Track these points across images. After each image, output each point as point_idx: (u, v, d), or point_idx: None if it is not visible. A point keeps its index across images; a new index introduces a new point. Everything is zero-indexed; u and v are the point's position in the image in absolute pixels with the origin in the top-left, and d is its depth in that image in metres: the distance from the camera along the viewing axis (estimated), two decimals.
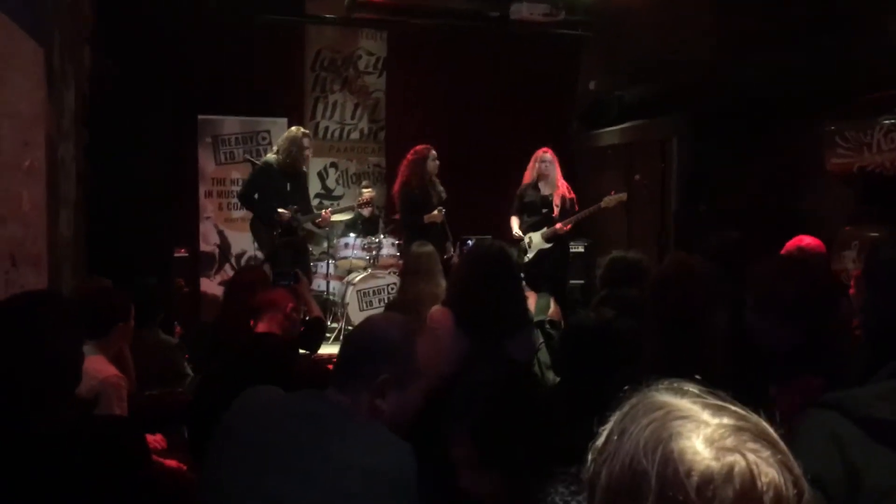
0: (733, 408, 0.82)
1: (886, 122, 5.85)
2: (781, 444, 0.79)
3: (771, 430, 0.80)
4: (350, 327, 6.62)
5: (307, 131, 7.07)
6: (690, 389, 0.84)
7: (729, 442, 0.77)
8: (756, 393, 2.32)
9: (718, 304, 2.35)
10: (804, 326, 2.44)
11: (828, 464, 1.28)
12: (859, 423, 1.30)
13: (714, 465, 0.75)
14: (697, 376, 0.88)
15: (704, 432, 0.78)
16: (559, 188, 7.24)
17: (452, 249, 7.28)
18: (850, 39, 5.95)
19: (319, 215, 7.07)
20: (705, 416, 0.80)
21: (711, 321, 2.33)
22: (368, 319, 2.00)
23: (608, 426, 0.85)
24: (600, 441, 0.85)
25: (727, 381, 2.15)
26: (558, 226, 7.07)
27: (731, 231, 3.90)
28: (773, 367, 2.43)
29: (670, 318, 2.35)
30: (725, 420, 0.79)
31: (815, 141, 6.49)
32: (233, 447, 1.76)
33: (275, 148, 6.99)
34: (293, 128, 7.08)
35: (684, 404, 0.82)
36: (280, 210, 6.68)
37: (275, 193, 6.74)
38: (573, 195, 7.33)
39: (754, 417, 0.81)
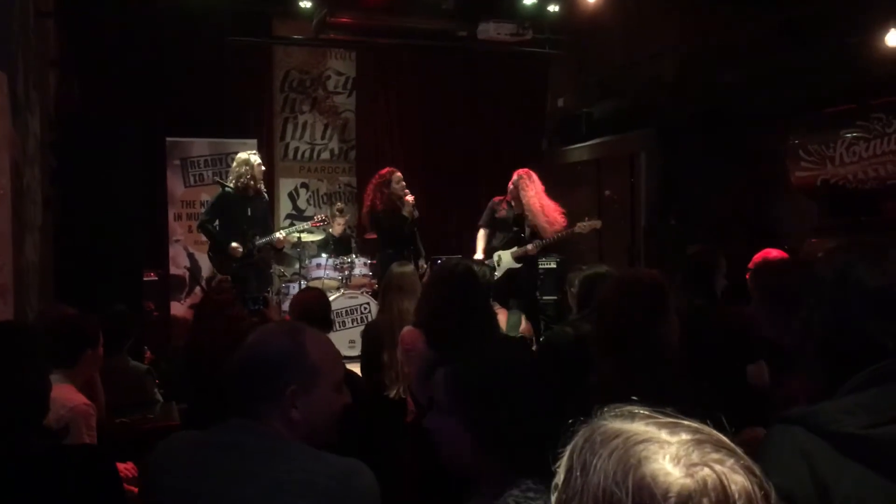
0: (686, 422, 0.83)
1: (848, 135, 5.96)
2: (739, 449, 0.81)
3: (726, 439, 0.82)
4: None
5: (256, 153, 7.06)
6: (639, 412, 0.85)
7: (695, 457, 0.78)
8: (710, 401, 2.36)
9: (664, 316, 2.36)
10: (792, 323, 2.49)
11: (798, 480, 1.29)
12: (826, 437, 1.30)
13: (688, 482, 0.76)
14: (634, 397, 0.88)
15: (669, 452, 0.78)
16: (536, 209, 7.05)
17: (425, 265, 7.28)
18: (813, 55, 6.07)
19: (275, 239, 7.03)
20: (664, 435, 0.81)
21: (655, 335, 2.33)
22: (251, 339, 1.84)
23: (563, 461, 0.85)
24: (560, 478, 0.84)
25: (679, 391, 2.17)
26: (530, 247, 7.02)
27: (704, 244, 3.99)
28: (783, 360, 2.47)
29: (610, 336, 2.37)
30: (684, 436, 0.80)
31: (780, 154, 6.59)
32: (161, 495, 1.71)
33: (229, 176, 6.99)
34: (242, 152, 7.06)
35: (639, 427, 0.82)
36: (233, 245, 6.70)
37: (234, 219, 6.75)
38: (548, 221, 7.02)
39: (707, 428, 0.83)
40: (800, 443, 1.32)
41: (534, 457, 1.52)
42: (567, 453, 0.85)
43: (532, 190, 7.04)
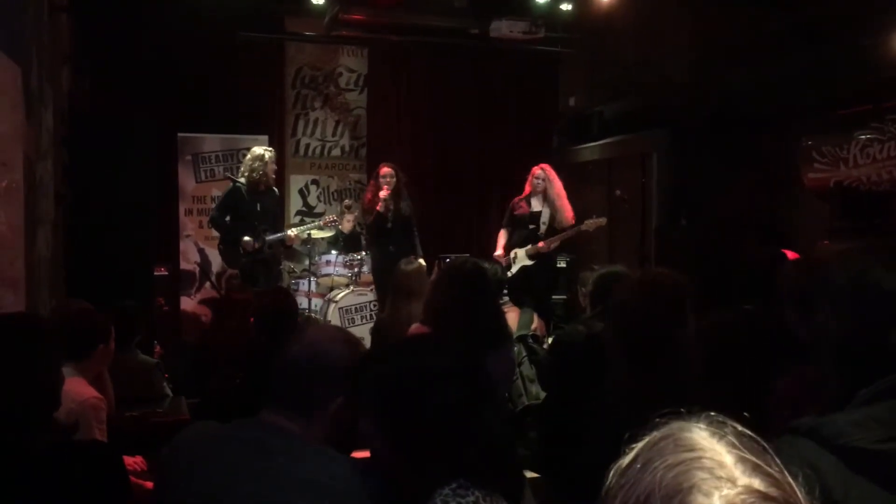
0: (769, 469, 0.75)
1: (862, 137, 5.92)
2: None
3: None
4: None
5: (271, 149, 7.05)
6: (729, 435, 0.78)
7: None
8: (731, 401, 2.34)
9: (682, 318, 2.33)
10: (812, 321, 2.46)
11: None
12: (836, 452, 1.27)
13: None
14: (746, 414, 0.83)
15: (727, 493, 0.71)
16: (554, 205, 7.19)
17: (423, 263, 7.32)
18: (827, 56, 6.03)
19: (286, 237, 7.03)
20: (736, 472, 0.73)
21: (676, 336, 2.31)
22: (307, 338, 1.84)
23: (637, 447, 0.80)
24: (625, 461, 0.80)
25: (698, 393, 2.15)
26: (541, 244, 7.10)
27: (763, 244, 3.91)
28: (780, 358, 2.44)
29: (627, 338, 2.33)
30: (756, 483, 0.72)
31: (792, 156, 6.56)
32: (177, 486, 1.70)
33: (241, 169, 6.99)
34: (256, 147, 7.06)
35: (718, 452, 0.75)
36: (245, 239, 6.68)
37: (245, 214, 6.74)
38: (570, 215, 7.24)
39: (789, 486, 0.74)
40: (807, 456, 1.28)
41: (455, 458, 1.53)
42: (643, 441, 0.80)
43: (559, 182, 7.20)
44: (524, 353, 4.42)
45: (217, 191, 7.99)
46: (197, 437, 1.80)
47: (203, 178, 8.46)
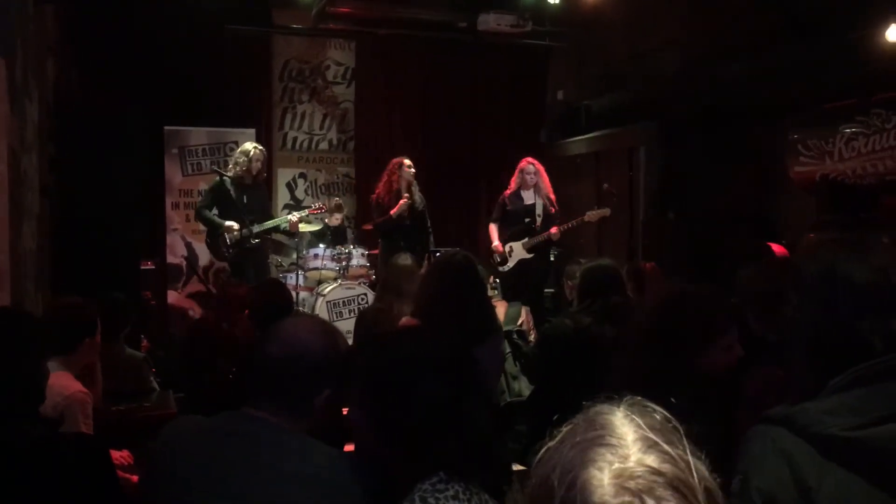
0: (667, 448, 0.77)
1: (847, 130, 5.95)
2: (700, 500, 0.75)
3: (696, 484, 0.75)
4: None
5: (260, 146, 7.05)
6: (642, 419, 0.80)
7: (634, 483, 0.73)
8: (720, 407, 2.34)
9: (711, 343, 2.23)
10: (777, 320, 2.48)
11: (779, 483, 1.27)
12: (809, 439, 1.29)
13: (611, 501, 0.73)
14: (672, 399, 0.85)
15: (619, 467, 0.75)
16: (548, 198, 7.25)
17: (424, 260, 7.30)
18: (813, 50, 6.06)
19: (288, 221, 7.03)
20: (632, 450, 0.76)
21: (697, 363, 2.25)
22: (286, 331, 1.80)
23: (564, 429, 0.83)
24: (551, 442, 0.83)
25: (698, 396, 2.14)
26: (553, 230, 7.07)
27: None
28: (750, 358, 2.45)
29: (646, 365, 2.25)
30: (649, 459, 0.76)
31: (781, 149, 6.59)
32: (166, 479, 1.69)
33: (229, 164, 7.01)
34: (247, 143, 7.08)
35: (623, 431, 0.79)
36: (227, 224, 6.68)
37: (231, 206, 6.74)
38: (556, 207, 7.33)
39: (685, 465, 0.77)
40: (782, 444, 1.31)
41: (439, 451, 1.53)
42: (572, 422, 0.83)
43: (545, 175, 7.28)
44: (508, 350, 4.41)
45: (204, 184, 7.95)
46: (184, 431, 1.79)
47: (190, 171, 8.42)
